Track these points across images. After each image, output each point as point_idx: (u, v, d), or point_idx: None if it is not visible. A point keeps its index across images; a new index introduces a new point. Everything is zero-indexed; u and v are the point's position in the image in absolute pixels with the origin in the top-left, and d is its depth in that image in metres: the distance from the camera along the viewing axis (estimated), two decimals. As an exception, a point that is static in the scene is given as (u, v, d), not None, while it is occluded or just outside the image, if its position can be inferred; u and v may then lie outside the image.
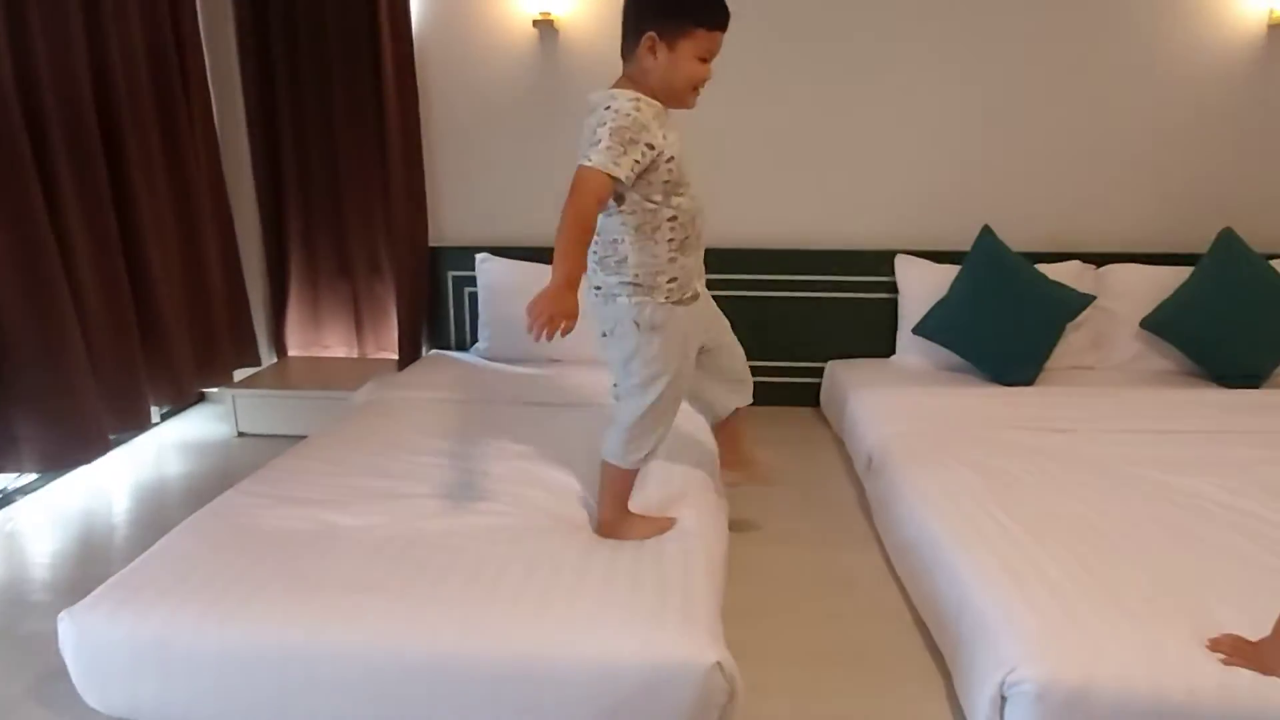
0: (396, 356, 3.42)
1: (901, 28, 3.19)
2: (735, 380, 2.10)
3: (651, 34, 1.58)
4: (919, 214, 3.33)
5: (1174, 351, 3.05)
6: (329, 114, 3.33)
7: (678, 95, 1.65)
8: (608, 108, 1.57)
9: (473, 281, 3.39)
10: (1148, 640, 1.39)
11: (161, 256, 2.88)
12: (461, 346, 3.49)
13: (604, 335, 1.77)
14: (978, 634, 1.52)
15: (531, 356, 3.14)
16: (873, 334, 3.34)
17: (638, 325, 1.69)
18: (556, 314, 1.40)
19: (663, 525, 1.79)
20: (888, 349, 3.31)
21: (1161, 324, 3.04)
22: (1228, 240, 3.06)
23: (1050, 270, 3.08)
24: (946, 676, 1.63)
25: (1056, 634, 1.41)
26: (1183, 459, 2.19)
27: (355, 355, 3.59)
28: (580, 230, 1.51)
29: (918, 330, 3.11)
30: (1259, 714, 1.30)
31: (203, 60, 3.16)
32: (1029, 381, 2.93)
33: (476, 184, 3.43)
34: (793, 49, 3.24)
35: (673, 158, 1.64)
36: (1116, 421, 2.48)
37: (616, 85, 1.66)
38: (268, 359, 3.54)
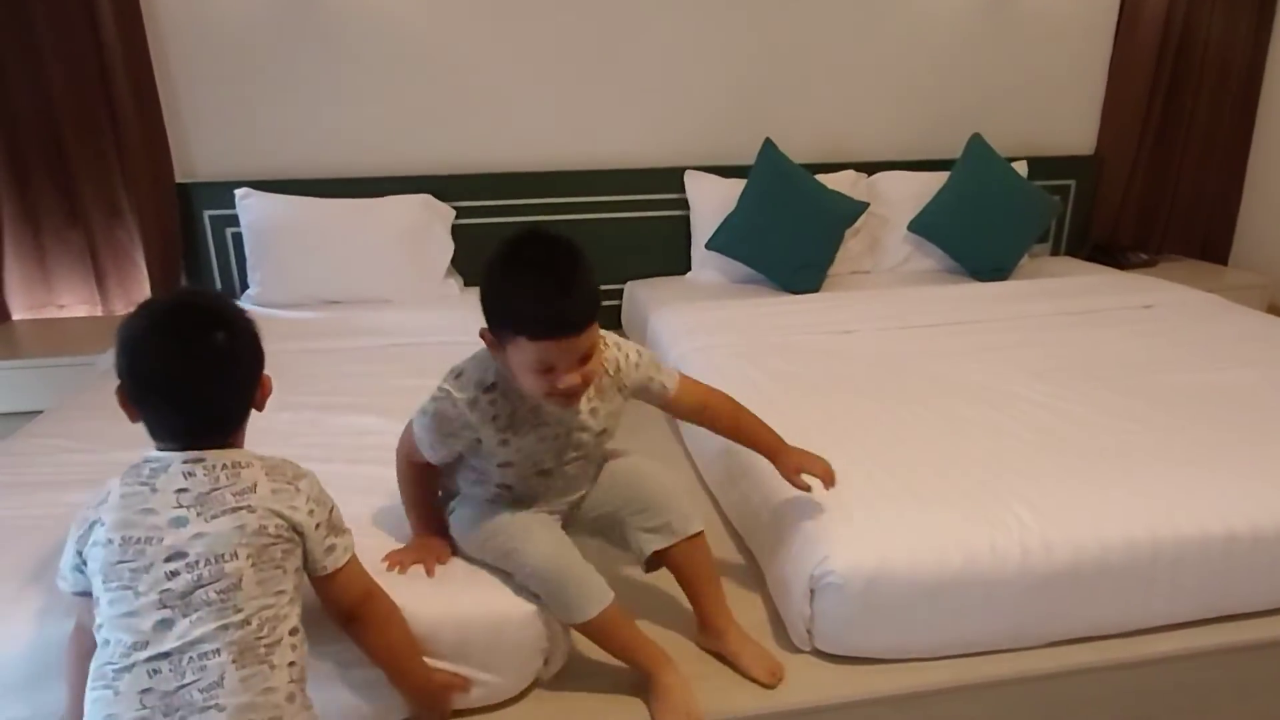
0: (151, 311, 3.02)
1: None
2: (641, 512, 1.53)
3: (483, 328, 1.30)
4: (705, 130, 3.35)
5: (937, 251, 3.31)
6: (28, 32, 2.79)
7: (535, 400, 1.34)
8: (445, 381, 1.36)
9: (235, 220, 3.04)
10: (931, 520, 1.50)
11: None
12: (230, 294, 3.14)
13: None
14: (784, 534, 1.58)
15: (309, 300, 2.88)
16: (668, 252, 3.36)
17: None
18: (415, 561, 1.41)
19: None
20: (684, 266, 3.35)
21: (926, 226, 3.28)
22: (976, 146, 3.32)
23: (827, 180, 3.22)
24: (760, 579, 1.69)
25: (853, 525, 1.49)
26: (950, 349, 2.38)
27: (100, 313, 3.14)
28: (409, 491, 1.50)
29: (710, 245, 3.16)
30: (1027, 571, 1.45)
31: None
32: (815, 288, 3.07)
33: (229, 109, 3.05)
34: (567, -43, 3.09)
35: (511, 463, 1.40)
36: (892, 320, 2.65)
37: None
38: (-14, 326, 3.02)
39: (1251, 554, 1.51)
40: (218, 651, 1.04)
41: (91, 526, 1.09)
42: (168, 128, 2.99)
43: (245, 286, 3.06)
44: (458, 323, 2.67)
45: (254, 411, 1.22)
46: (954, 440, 1.80)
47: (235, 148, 3.08)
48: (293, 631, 1.12)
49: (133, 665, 1.02)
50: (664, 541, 1.48)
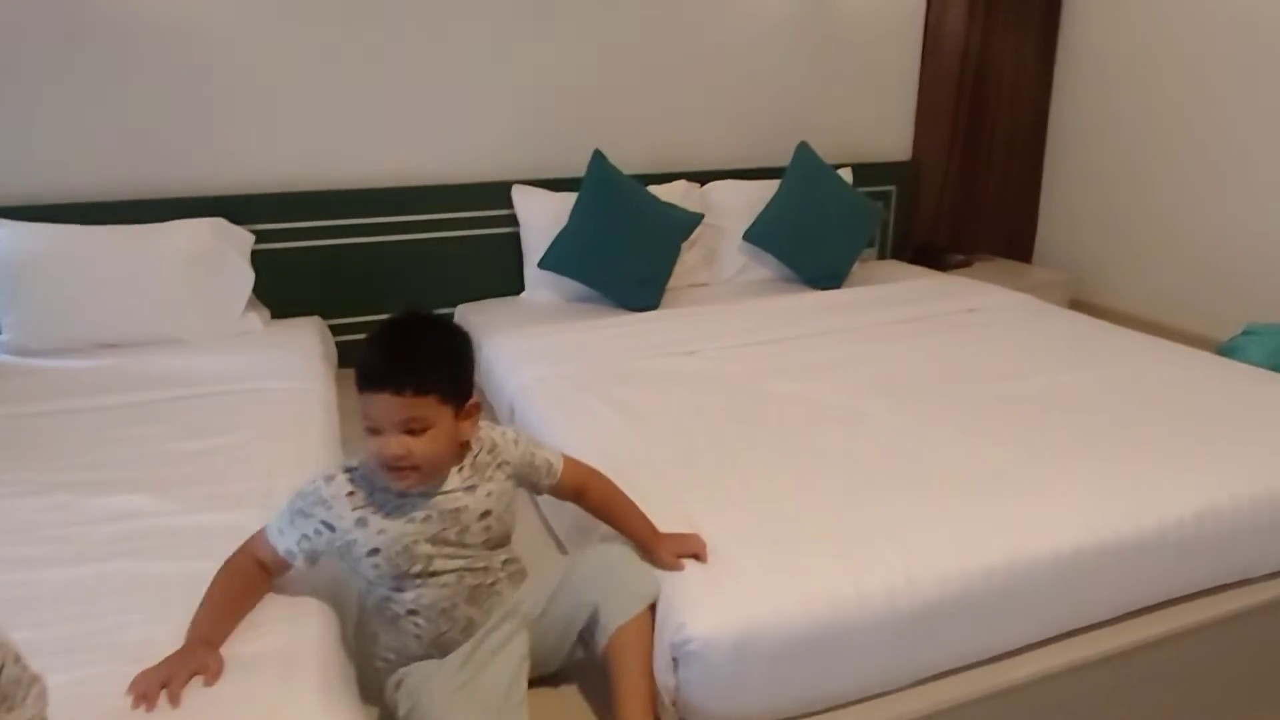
0: None
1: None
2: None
3: None
4: (533, 142, 3.18)
5: (772, 260, 3.29)
6: None
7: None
8: None
9: (-25, 255, 2.55)
10: (794, 569, 1.40)
11: None
12: (-27, 341, 2.64)
13: None
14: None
15: (77, 344, 2.47)
16: (499, 272, 3.15)
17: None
18: (165, 683, 1.10)
19: None
20: (516, 286, 3.15)
21: (760, 236, 3.25)
22: (803, 154, 3.34)
23: (660, 191, 3.13)
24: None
25: (712, 586, 1.37)
26: (793, 366, 2.32)
27: None
28: (217, 582, 1.29)
29: (543, 264, 2.98)
30: (894, 611, 1.37)
31: None
32: (654, 304, 2.96)
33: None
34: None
35: (378, 550, 1.30)
36: (732, 337, 2.58)
37: None
38: None
39: (1100, 566, 1.52)
40: None
41: None
42: (-123, 145, 2.48)
43: (-6, 332, 2.58)
44: (261, 365, 2.37)
45: None
46: (809, 470, 1.72)
47: (-28, 168, 2.60)
48: None
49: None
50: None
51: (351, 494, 1.31)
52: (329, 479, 1.32)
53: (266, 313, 2.80)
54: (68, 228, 2.56)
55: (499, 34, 3.03)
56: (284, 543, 1.31)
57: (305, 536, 1.31)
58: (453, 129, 3.06)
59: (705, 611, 1.31)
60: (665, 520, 1.52)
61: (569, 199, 3.01)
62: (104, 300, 2.52)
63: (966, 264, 3.80)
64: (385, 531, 1.29)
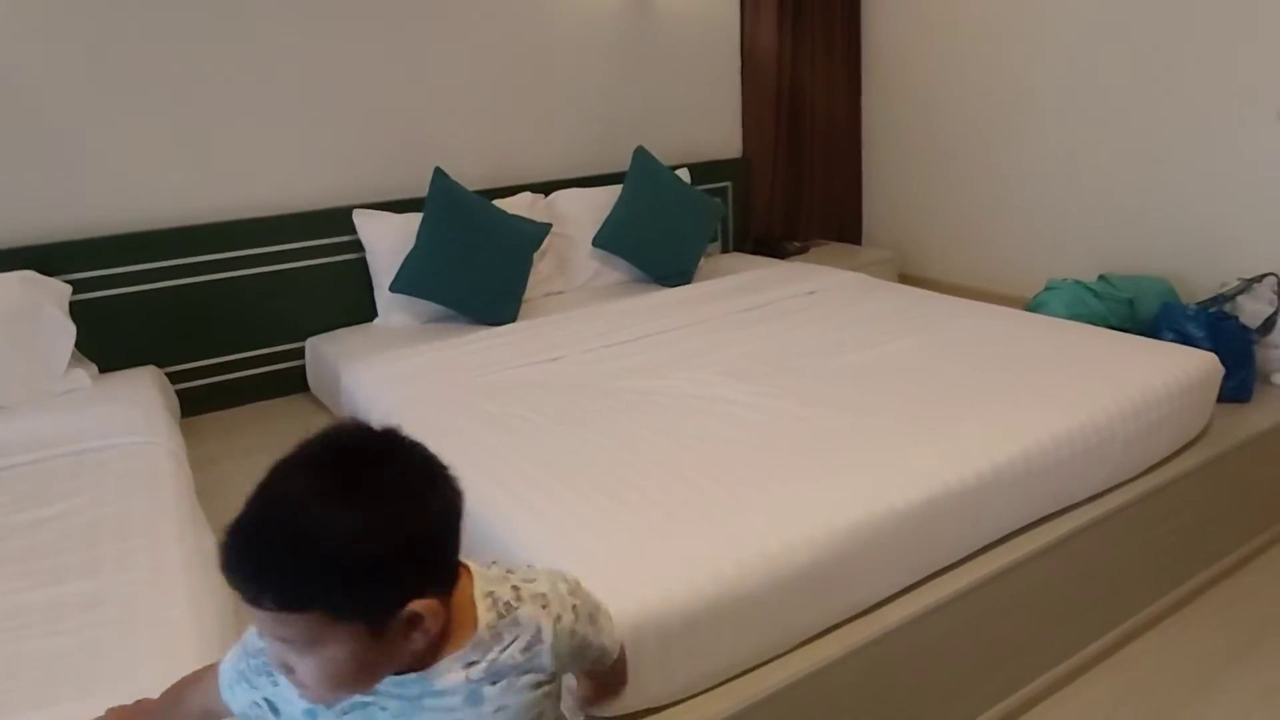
0: None
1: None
2: None
3: None
4: (370, 165, 3.12)
5: (622, 263, 3.37)
6: None
7: None
8: None
9: None
10: (674, 551, 1.46)
11: None
12: None
13: None
14: (535, 599, 1.45)
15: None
16: (349, 299, 3.07)
17: None
18: None
19: None
20: (369, 313, 3.08)
21: (608, 240, 3.32)
22: (641, 158, 3.44)
23: (505, 204, 3.14)
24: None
25: (604, 576, 1.39)
26: (654, 362, 2.40)
27: None
28: (163, 698, 1.08)
29: (395, 287, 2.93)
30: (777, 576, 1.46)
31: None
32: (512, 317, 2.97)
33: None
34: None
35: None
36: (591, 340, 2.63)
37: None
38: None
39: (948, 510, 1.66)
40: None
41: None
42: None
43: None
44: (94, 422, 2.21)
45: None
46: (679, 456, 1.79)
47: None
48: None
49: None
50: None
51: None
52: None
53: (94, 367, 2.61)
54: (26, 276, 2.32)
55: (325, 57, 2.95)
56: (235, 702, 0.96)
57: (255, 704, 0.93)
58: (285, 157, 2.96)
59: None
60: (548, 521, 1.55)
61: (414, 219, 2.97)
62: (-101, 372, 2.27)
63: (803, 250, 4.02)
64: None
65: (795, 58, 4.01)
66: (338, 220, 3.01)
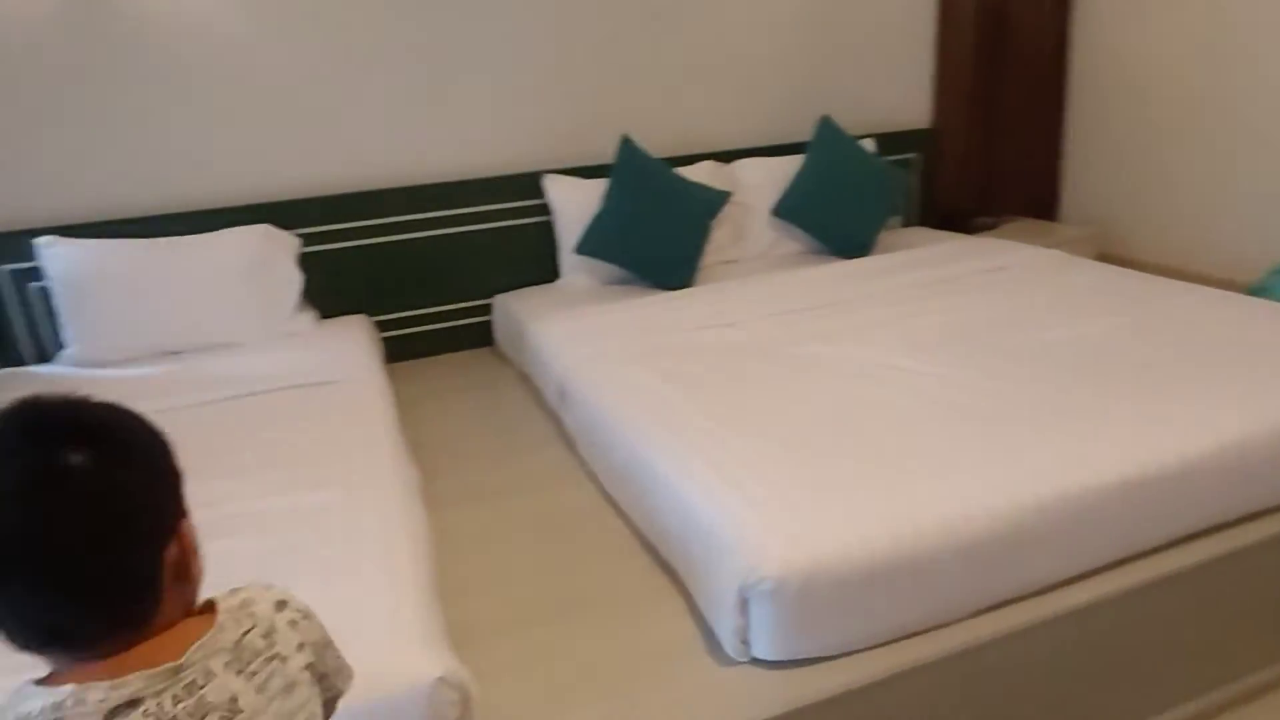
0: (-52, 387, 2.63)
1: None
2: None
3: None
4: (561, 131, 3.24)
5: (800, 233, 3.34)
6: None
7: None
8: None
9: (38, 275, 2.67)
10: (852, 509, 1.47)
11: None
12: (44, 359, 2.77)
13: None
14: (708, 543, 1.51)
15: (141, 353, 2.57)
16: (535, 260, 3.23)
17: None
18: None
19: None
20: (552, 273, 3.23)
21: (787, 210, 3.31)
22: (826, 128, 3.38)
23: (688, 172, 3.19)
24: (685, 593, 1.61)
25: (778, 528, 1.44)
26: (831, 330, 2.39)
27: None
28: None
29: (579, 250, 3.06)
30: (956, 544, 1.43)
31: None
32: (689, 283, 3.03)
33: (19, 147, 2.68)
34: (392, -40, 2.91)
35: None
36: (767, 307, 2.64)
37: None
38: None
39: (1145, 496, 1.57)
40: None
41: None
42: (-58, 173, 2.60)
43: (60, 347, 2.70)
44: (312, 362, 2.48)
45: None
46: (857, 421, 1.79)
47: (30, 191, 2.71)
48: None
49: None
50: None
51: None
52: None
53: (316, 312, 2.90)
54: (126, 242, 2.67)
55: (522, 28, 3.10)
56: None
57: None
58: (483, 124, 3.14)
59: (773, 553, 1.38)
60: (725, 471, 1.60)
61: (600, 185, 3.08)
62: (163, 309, 2.63)
63: (993, 226, 3.83)
64: None
65: (999, 20, 3.77)
66: (529, 185, 3.17)
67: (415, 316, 3.17)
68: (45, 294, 2.70)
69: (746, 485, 1.57)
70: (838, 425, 1.78)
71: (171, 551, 0.75)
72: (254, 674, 0.75)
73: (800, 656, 1.42)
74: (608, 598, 1.65)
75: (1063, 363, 1.99)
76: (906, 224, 3.88)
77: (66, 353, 2.65)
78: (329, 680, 0.86)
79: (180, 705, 0.69)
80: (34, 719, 0.67)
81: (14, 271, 2.70)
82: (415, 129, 3.07)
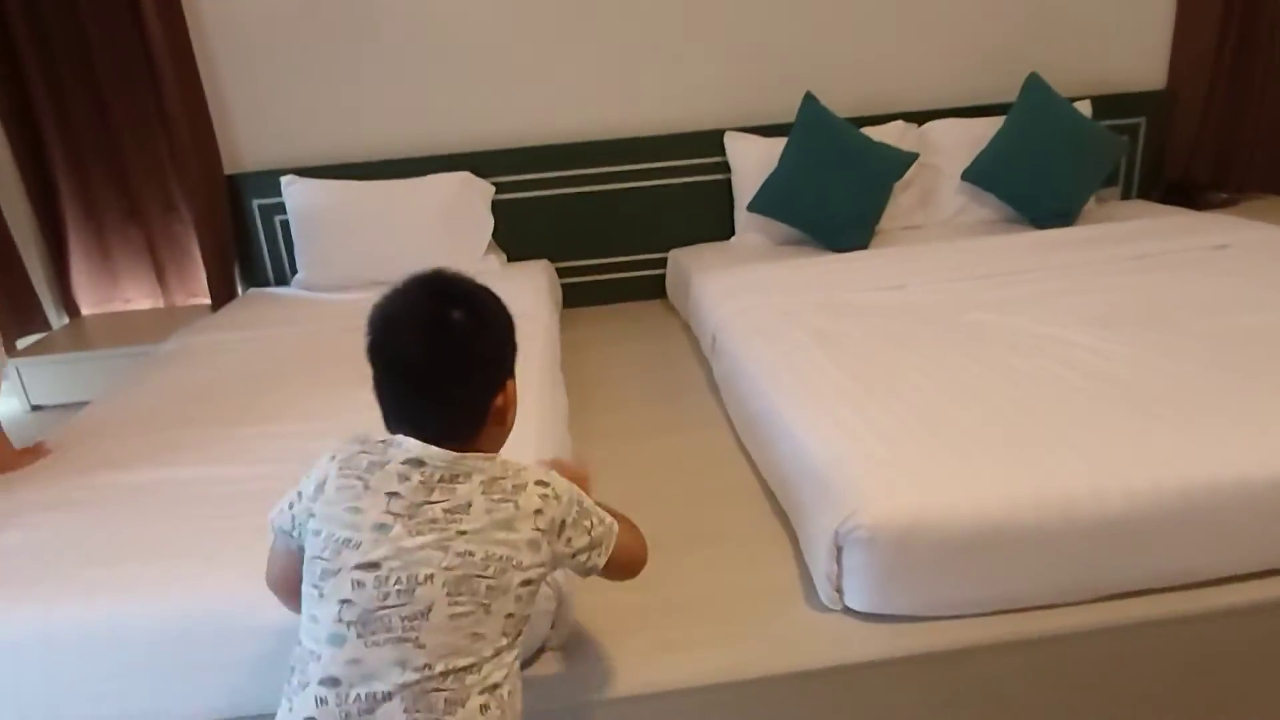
0: (209, 301, 3.13)
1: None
2: None
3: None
4: (744, 89, 3.26)
5: (993, 200, 3.15)
6: (79, 33, 2.89)
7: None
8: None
9: (282, 208, 3.10)
10: (969, 469, 1.42)
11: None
12: (282, 281, 3.23)
13: None
14: (815, 490, 1.52)
15: (353, 281, 2.92)
16: (712, 217, 3.29)
17: None
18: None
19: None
20: (728, 231, 3.28)
21: (980, 174, 3.12)
22: (1034, 86, 3.14)
23: (874, 132, 3.09)
24: (794, 539, 1.64)
25: (883, 477, 1.43)
26: (1007, 299, 2.26)
27: (163, 305, 3.27)
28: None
29: (752, 207, 3.08)
30: (1074, 520, 1.36)
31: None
32: (863, 245, 2.96)
33: (271, 99, 3.11)
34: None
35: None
36: (942, 273, 2.54)
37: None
38: (58, 322, 3.17)
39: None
40: (389, 696, 0.89)
41: (308, 518, 1.00)
42: (214, 121, 3.07)
43: (295, 271, 3.13)
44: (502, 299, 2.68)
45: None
46: (1002, 390, 1.70)
47: (279, 136, 3.14)
48: (488, 689, 0.93)
49: (307, 683, 0.93)
50: None
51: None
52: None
53: (504, 255, 3.14)
54: (349, 184, 3.03)
55: (712, -12, 3.14)
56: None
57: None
58: (667, 82, 3.22)
59: (874, 499, 1.37)
60: (846, 426, 1.60)
61: (780, 143, 3.07)
62: (375, 244, 2.96)
63: (1231, 203, 3.39)
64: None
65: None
66: (712, 142, 3.22)
67: (594, 265, 3.34)
68: (286, 226, 3.13)
69: (866, 440, 1.55)
70: (983, 394, 1.70)
71: (498, 400, 1.05)
72: (493, 500, 0.99)
73: (894, 612, 1.40)
74: (722, 535, 1.71)
75: (1258, 350, 1.77)
76: (1125, 196, 3.54)
77: (298, 277, 3.06)
78: (570, 554, 1.07)
79: (440, 482, 0.98)
80: (357, 435, 1.04)
81: (263, 206, 3.16)
82: (603, 87, 3.20)
